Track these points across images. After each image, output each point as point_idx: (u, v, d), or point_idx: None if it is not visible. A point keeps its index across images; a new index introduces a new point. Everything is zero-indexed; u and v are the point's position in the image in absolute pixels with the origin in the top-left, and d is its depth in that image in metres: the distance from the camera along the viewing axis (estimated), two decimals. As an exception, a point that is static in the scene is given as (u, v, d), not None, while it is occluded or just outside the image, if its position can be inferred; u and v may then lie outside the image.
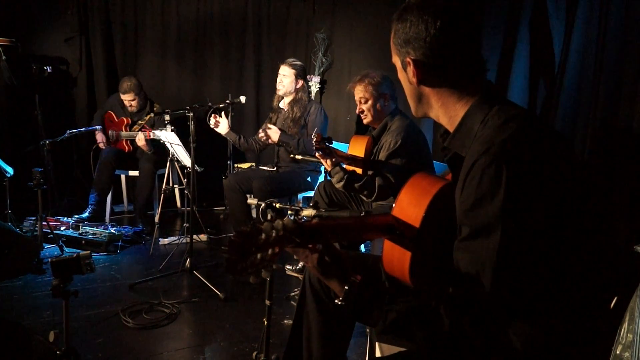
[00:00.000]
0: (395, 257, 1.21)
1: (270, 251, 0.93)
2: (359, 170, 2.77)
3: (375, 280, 1.08)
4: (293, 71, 3.56)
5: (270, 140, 3.61)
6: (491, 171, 0.95)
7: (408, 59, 1.11)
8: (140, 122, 4.30)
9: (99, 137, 4.24)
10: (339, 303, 1.06)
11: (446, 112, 1.14)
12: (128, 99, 4.19)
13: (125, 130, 4.26)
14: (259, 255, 0.91)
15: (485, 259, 0.96)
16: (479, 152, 0.98)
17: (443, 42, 1.06)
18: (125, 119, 4.28)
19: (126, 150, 4.27)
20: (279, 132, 3.54)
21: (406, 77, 1.15)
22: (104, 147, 4.23)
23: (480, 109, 1.08)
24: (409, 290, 1.12)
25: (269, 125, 3.60)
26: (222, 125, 3.62)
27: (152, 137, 3.97)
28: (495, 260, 0.95)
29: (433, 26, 1.05)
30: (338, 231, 1.16)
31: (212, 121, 3.60)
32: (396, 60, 1.17)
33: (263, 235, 0.91)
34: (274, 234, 0.92)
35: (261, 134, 3.69)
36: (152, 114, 4.24)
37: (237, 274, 0.88)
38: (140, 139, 4.04)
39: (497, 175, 0.94)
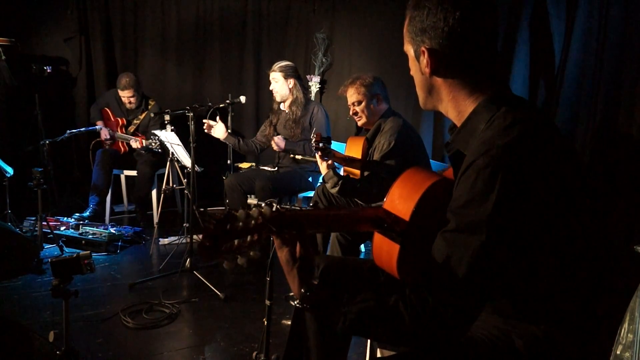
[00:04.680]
0: (384, 251, 1.20)
1: (248, 238, 0.94)
2: (357, 172, 2.76)
3: (334, 283, 1.07)
4: (280, 73, 3.53)
5: (276, 149, 3.58)
6: (486, 174, 0.94)
7: (423, 48, 1.08)
8: (135, 121, 4.29)
9: (104, 133, 4.21)
10: (297, 305, 1.05)
11: (456, 106, 1.12)
12: (127, 96, 4.18)
13: (121, 131, 4.26)
14: (235, 242, 0.92)
15: (463, 253, 0.95)
16: (479, 152, 0.97)
17: (461, 34, 1.04)
18: (120, 120, 4.27)
19: (121, 152, 4.27)
20: (284, 140, 3.53)
21: (418, 67, 1.13)
22: (107, 141, 4.22)
23: (488, 108, 1.06)
24: (369, 289, 1.10)
25: (275, 138, 3.56)
26: (218, 130, 3.58)
27: (144, 145, 3.99)
28: (474, 258, 0.94)
29: (452, 16, 1.03)
30: (320, 221, 1.14)
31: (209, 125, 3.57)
32: (408, 49, 1.14)
33: (240, 223, 0.92)
34: (252, 222, 0.93)
35: (268, 139, 3.66)
36: (146, 112, 4.24)
37: (210, 258, 0.90)
38: (135, 144, 4.08)
39: (491, 180, 0.93)
